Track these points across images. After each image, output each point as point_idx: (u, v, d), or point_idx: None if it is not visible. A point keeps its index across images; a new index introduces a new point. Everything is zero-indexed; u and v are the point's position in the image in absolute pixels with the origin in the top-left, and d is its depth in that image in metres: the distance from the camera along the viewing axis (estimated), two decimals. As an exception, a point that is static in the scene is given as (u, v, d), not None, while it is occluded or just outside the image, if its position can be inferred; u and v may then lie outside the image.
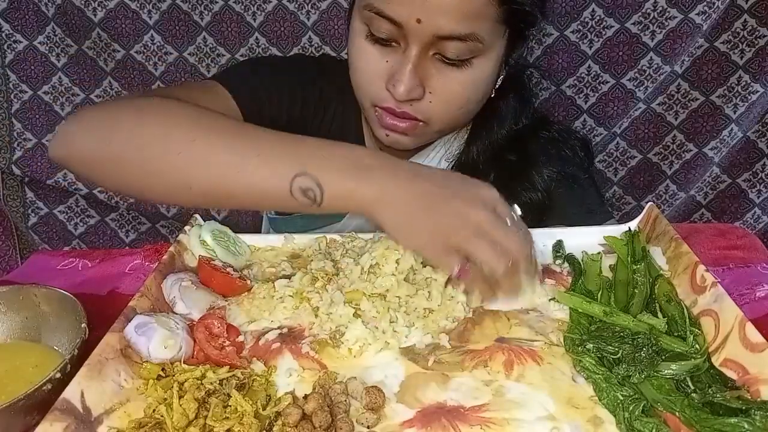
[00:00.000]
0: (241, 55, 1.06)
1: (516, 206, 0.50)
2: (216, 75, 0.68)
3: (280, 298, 0.50)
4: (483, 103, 0.64)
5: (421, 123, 0.60)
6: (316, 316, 0.48)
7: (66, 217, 1.22)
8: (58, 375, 0.39)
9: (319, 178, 0.46)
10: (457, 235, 0.44)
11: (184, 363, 0.43)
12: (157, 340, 0.43)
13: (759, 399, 0.37)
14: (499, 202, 0.47)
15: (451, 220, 0.45)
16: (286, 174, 0.46)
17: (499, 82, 0.64)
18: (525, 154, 0.68)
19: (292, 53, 1.05)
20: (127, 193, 0.56)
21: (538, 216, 0.66)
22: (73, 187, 1.16)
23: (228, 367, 0.43)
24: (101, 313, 0.46)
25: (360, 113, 0.72)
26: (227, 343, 0.46)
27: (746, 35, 1.00)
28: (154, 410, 0.39)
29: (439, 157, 0.70)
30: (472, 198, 0.46)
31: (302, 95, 0.70)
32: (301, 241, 0.60)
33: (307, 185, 0.46)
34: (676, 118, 1.08)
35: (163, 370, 0.43)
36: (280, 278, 0.53)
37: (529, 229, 0.58)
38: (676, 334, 0.44)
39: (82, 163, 0.52)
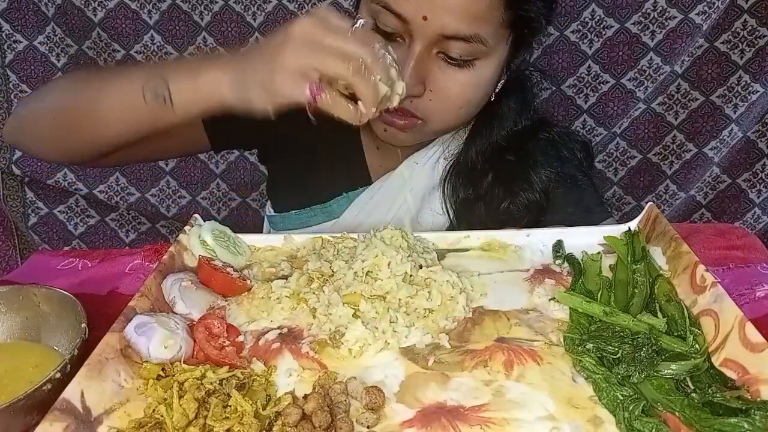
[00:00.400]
0: (241, 55, 1.06)
1: (360, 18, 0.50)
2: None
3: (277, 298, 0.50)
4: (482, 106, 0.64)
5: (419, 121, 0.60)
6: (314, 317, 0.48)
7: (66, 217, 1.22)
8: (58, 375, 0.39)
9: (166, 78, 0.50)
10: (292, 58, 0.44)
11: (184, 363, 0.43)
12: (157, 340, 0.43)
13: (759, 399, 0.37)
14: (329, 14, 0.46)
15: (281, 51, 0.44)
16: (138, 83, 0.51)
17: (500, 85, 0.64)
18: (524, 154, 0.68)
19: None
20: (56, 152, 0.65)
21: (536, 216, 0.65)
22: (73, 187, 1.16)
23: (228, 367, 0.43)
24: (101, 313, 0.46)
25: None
26: (227, 343, 0.46)
27: (746, 35, 1.00)
28: (154, 410, 0.39)
29: (437, 155, 0.70)
30: (294, 21, 0.45)
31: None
32: (299, 240, 0.60)
33: (156, 88, 0.50)
34: (676, 118, 1.09)
35: (163, 370, 0.43)
36: (278, 279, 0.53)
37: (530, 229, 0.59)
38: (676, 334, 0.44)
39: (24, 137, 0.65)
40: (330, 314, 0.47)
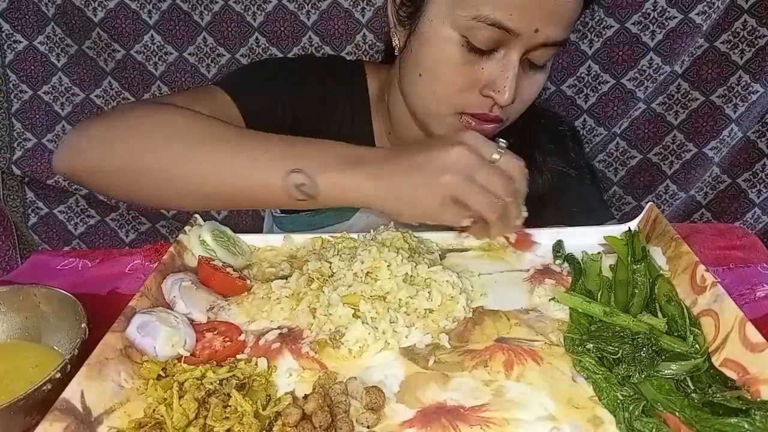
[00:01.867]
0: (242, 55, 1.06)
1: (500, 140, 0.53)
2: (218, 80, 0.68)
3: (277, 299, 0.50)
4: None
5: (500, 124, 0.60)
6: (314, 317, 0.48)
7: (66, 217, 1.22)
8: (58, 375, 0.39)
9: (313, 173, 0.49)
10: (451, 189, 0.48)
11: (186, 360, 0.43)
12: (162, 339, 0.43)
13: (759, 399, 0.37)
14: (481, 145, 0.50)
15: (441, 179, 0.48)
16: (279, 171, 0.50)
17: None
18: (526, 142, 0.66)
19: (292, 53, 1.05)
20: (133, 202, 0.57)
21: (537, 207, 0.65)
22: (73, 187, 1.16)
23: (228, 367, 0.43)
24: (101, 313, 0.46)
25: (368, 114, 0.71)
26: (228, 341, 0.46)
27: (746, 35, 1.00)
28: (154, 410, 0.39)
29: None
30: (453, 149, 0.49)
31: (306, 95, 0.69)
32: (299, 240, 0.60)
33: (302, 180, 0.49)
34: (676, 118, 1.09)
35: (163, 370, 0.43)
36: (278, 279, 0.53)
37: (530, 229, 0.58)
38: (676, 334, 0.44)
39: (87, 175, 0.55)
40: (330, 314, 0.47)
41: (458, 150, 0.49)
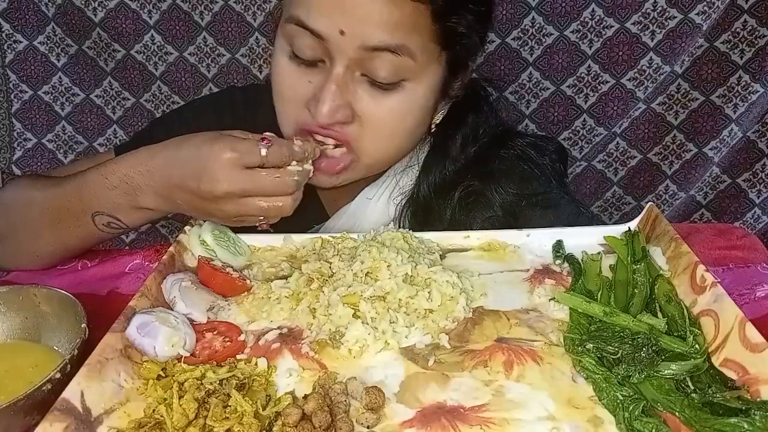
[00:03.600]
0: (242, 55, 1.06)
1: (266, 133, 0.51)
2: (118, 146, 0.73)
3: (277, 299, 0.50)
4: (419, 137, 0.60)
5: (350, 158, 0.57)
6: (314, 317, 0.48)
7: (66, 217, 1.21)
8: (58, 375, 0.39)
9: (109, 211, 0.55)
10: (225, 214, 0.51)
11: (186, 360, 0.43)
12: (162, 339, 0.43)
13: (759, 399, 0.37)
14: (243, 151, 0.49)
15: (218, 208, 0.51)
16: (85, 219, 0.56)
17: (441, 114, 0.60)
18: (486, 175, 0.62)
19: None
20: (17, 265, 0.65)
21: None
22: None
23: (228, 367, 0.43)
24: (101, 313, 0.46)
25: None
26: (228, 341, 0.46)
27: (746, 35, 1.00)
28: (154, 410, 0.39)
29: (389, 190, 0.65)
30: (218, 174, 0.49)
31: None
32: (299, 240, 0.60)
33: (107, 220, 0.56)
34: (676, 118, 1.09)
35: (163, 370, 0.43)
36: (278, 279, 0.53)
37: (530, 229, 0.57)
38: (676, 334, 0.44)
39: None
40: (330, 314, 0.47)
41: (224, 169, 0.48)
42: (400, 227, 0.64)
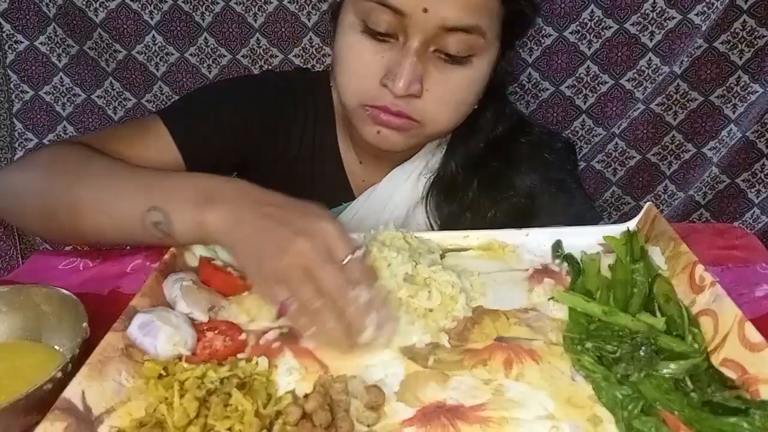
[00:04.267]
0: (243, 56, 1.06)
1: (361, 250, 0.45)
2: (161, 110, 0.68)
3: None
4: (472, 110, 0.62)
5: (416, 123, 0.58)
6: None
7: (66, 217, 1.22)
8: (59, 374, 0.39)
9: (168, 210, 0.48)
10: (278, 263, 0.42)
11: (187, 359, 0.43)
12: (163, 338, 0.43)
13: (758, 399, 0.38)
14: (335, 236, 0.43)
15: (276, 248, 0.43)
16: (138, 210, 0.49)
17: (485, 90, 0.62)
18: (506, 159, 0.66)
19: (292, 54, 1.05)
20: (59, 241, 0.61)
21: (523, 223, 0.63)
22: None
23: (229, 366, 0.43)
24: (102, 312, 0.46)
25: (333, 130, 0.69)
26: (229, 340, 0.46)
27: (745, 35, 1.00)
28: (155, 409, 0.39)
29: (419, 169, 0.67)
30: (303, 227, 0.43)
31: (250, 120, 0.67)
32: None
33: (158, 219, 0.49)
34: (675, 119, 1.09)
35: (164, 369, 0.43)
36: None
37: (529, 229, 0.58)
38: (675, 333, 0.44)
39: (8, 218, 0.61)
40: None
41: (301, 240, 0.42)
42: (426, 206, 0.66)
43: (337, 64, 0.59)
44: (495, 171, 0.65)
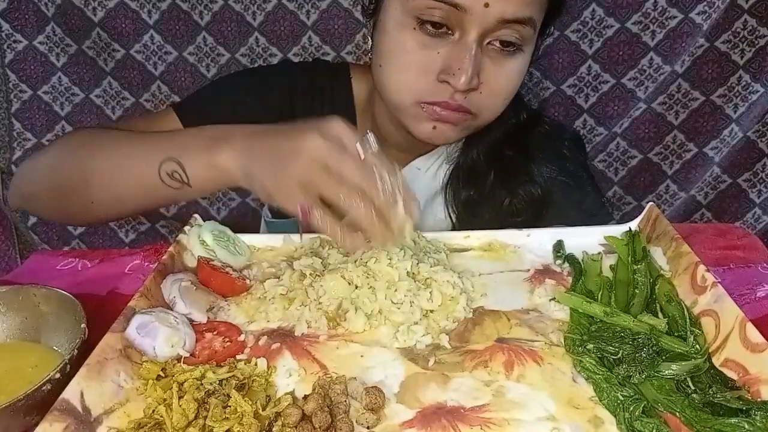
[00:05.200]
0: (242, 55, 1.06)
1: (370, 136, 0.45)
2: (177, 103, 0.68)
3: (272, 298, 0.50)
4: None
5: (470, 116, 0.58)
6: (309, 310, 0.48)
7: (66, 217, 1.21)
8: (58, 375, 0.39)
9: (180, 158, 0.50)
10: (297, 172, 0.43)
11: (186, 360, 0.43)
12: (161, 339, 0.43)
13: (759, 399, 0.37)
14: (347, 130, 0.44)
15: (289, 151, 0.44)
16: (153, 165, 0.51)
17: None
18: (522, 149, 0.66)
19: (291, 53, 1.05)
20: (78, 221, 0.62)
21: (538, 212, 0.64)
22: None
23: (228, 367, 0.43)
24: (101, 313, 0.46)
25: (353, 123, 0.70)
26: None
27: (746, 35, 1.00)
28: (153, 410, 0.39)
29: (440, 161, 0.68)
30: (313, 127, 0.44)
31: (267, 111, 0.66)
32: (297, 241, 0.60)
33: (173, 168, 0.50)
34: (676, 118, 1.08)
35: (162, 370, 0.42)
36: (270, 278, 0.53)
37: (530, 229, 0.58)
38: (676, 334, 0.44)
39: (34, 201, 0.63)
40: (322, 286, 0.48)
41: (316, 137, 0.43)
42: (445, 195, 0.67)
43: (387, 63, 0.57)
44: (511, 161, 0.66)
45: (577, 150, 0.72)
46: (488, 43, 0.54)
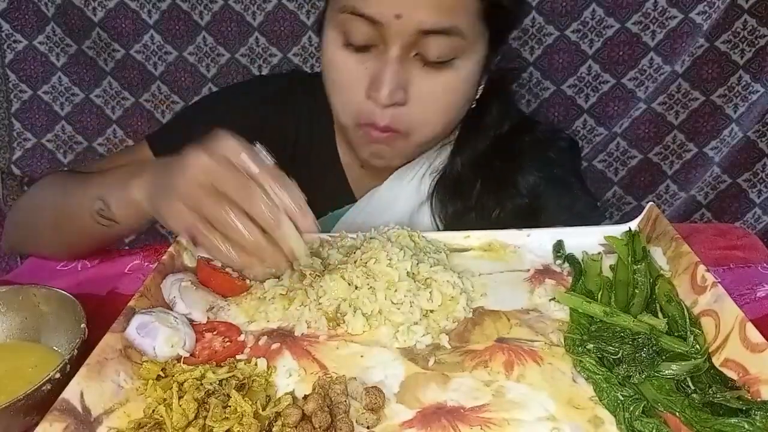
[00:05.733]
0: (241, 55, 1.06)
1: (261, 149, 0.42)
2: (149, 135, 0.70)
3: (272, 298, 0.50)
4: (464, 112, 0.61)
5: (400, 134, 0.57)
6: (309, 310, 0.48)
7: (66, 217, 1.21)
8: (58, 375, 0.39)
9: (105, 197, 0.52)
10: (179, 181, 0.41)
11: (186, 360, 0.43)
12: (161, 339, 0.43)
13: (759, 399, 0.37)
14: (237, 147, 0.41)
15: (178, 169, 0.42)
16: (88, 204, 0.54)
17: (481, 90, 0.62)
18: (510, 158, 0.65)
19: (291, 53, 1.05)
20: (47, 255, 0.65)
21: (527, 222, 0.63)
22: (73, 187, 1.16)
23: (228, 367, 0.43)
24: (101, 313, 0.46)
25: (332, 135, 0.69)
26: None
27: (746, 35, 1.00)
28: (153, 411, 0.39)
29: (423, 170, 0.67)
30: (203, 146, 0.41)
31: (238, 129, 0.67)
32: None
33: (100, 207, 0.53)
34: (676, 118, 1.09)
35: (162, 370, 0.42)
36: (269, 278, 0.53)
37: (530, 229, 0.58)
38: (676, 334, 0.44)
39: (18, 247, 0.71)
40: (322, 286, 0.48)
41: (196, 154, 0.41)
42: (431, 206, 0.66)
43: (327, 82, 0.58)
44: (499, 171, 0.65)
45: (570, 155, 0.70)
46: (416, 55, 0.53)
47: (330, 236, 0.58)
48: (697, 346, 0.42)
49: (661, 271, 0.51)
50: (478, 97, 0.62)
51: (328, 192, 0.70)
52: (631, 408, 0.38)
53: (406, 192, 0.67)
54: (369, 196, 0.69)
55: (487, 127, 0.65)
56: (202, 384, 0.40)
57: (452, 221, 0.66)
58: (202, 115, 0.69)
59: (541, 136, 0.68)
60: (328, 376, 0.43)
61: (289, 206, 0.41)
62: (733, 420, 0.36)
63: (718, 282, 0.45)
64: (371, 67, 0.54)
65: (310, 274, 0.51)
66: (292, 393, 0.41)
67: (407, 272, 0.49)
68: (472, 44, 0.54)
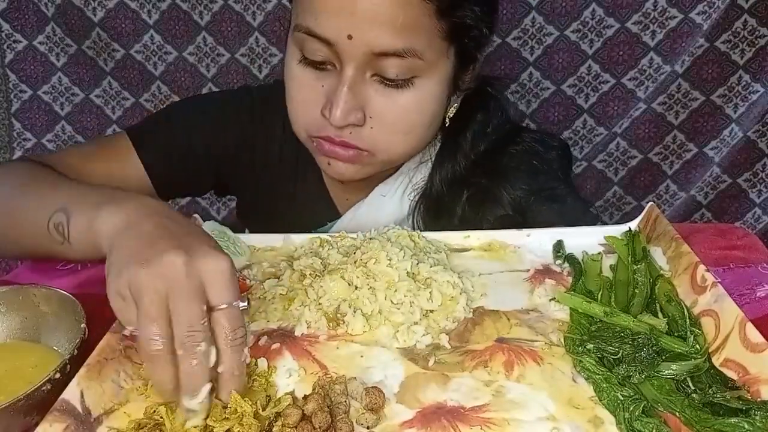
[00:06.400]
0: (241, 55, 1.06)
1: (244, 303, 0.39)
2: (129, 127, 0.68)
3: (272, 298, 0.50)
4: (434, 131, 0.60)
5: (364, 153, 0.56)
6: (308, 309, 0.48)
7: (66, 216, 1.21)
8: (58, 375, 0.39)
9: (70, 211, 0.45)
10: (137, 271, 0.36)
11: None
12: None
13: (759, 399, 0.37)
14: (219, 273, 0.37)
15: (147, 256, 0.36)
16: (49, 209, 0.47)
17: (454, 107, 0.60)
18: (494, 173, 0.63)
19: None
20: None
21: (517, 226, 0.61)
22: (73, 187, 1.16)
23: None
24: (101, 313, 0.46)
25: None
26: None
27: (746, 35, 1.00)
28: (154, 411, 0.39)
29: (404, 186, 0.66)
30: (189, 245, 0.37)
31: (222, 137, 0.66)
32: (298, 241, 0.60)
33: (59, 220, 0.46)
34: (676, 118, 1.09)
35: (162, 370, 0.42)
36: (270, 278, 0.53)
37: (530, 229, 0.58)
38: (676, 334, 0.44)
39: None
40: (322, 287, 0.48)
41: (176, 258, 0.36)
42: (413, 223, 0.65)
43: (286, 94, 0.58)
44: (483, 187, 0.63)
45: (558, 162, 0.67)
46: (373, 75, 0.52)
47: (330, 236, 0.58)
48: (697, 346, 0.42)
49: (661, 271, 0.51)
50: (452, 114, 0.61)
51: (311, 207, 0.69)
52: (631, 408, 0.38)
53: (388, 208, 0.66)
54: (353, 211, 0.68)
55: (465, 144, 0.63)
56: (202, 384, 0.40)
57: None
58: (193, 117, 0.67)
59: (527, 146, 0.66)
60: (328, 376, 0.43)
61: (227, 369, 0.37)
62: (733, 420, 0.36)
63: (718, 282, 0.45)
64: (328, 85, 0.53)
65: (310, 274, 0.51)
66: (292, 393, 0.41)
67: (407, 272, 0.49)
68: (432, 63, 0.53)
